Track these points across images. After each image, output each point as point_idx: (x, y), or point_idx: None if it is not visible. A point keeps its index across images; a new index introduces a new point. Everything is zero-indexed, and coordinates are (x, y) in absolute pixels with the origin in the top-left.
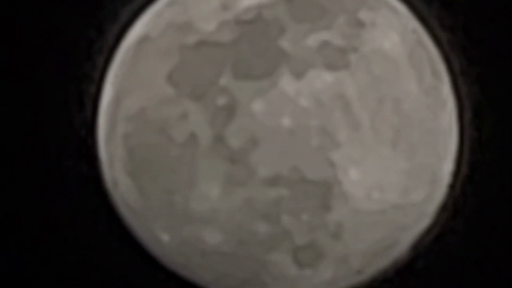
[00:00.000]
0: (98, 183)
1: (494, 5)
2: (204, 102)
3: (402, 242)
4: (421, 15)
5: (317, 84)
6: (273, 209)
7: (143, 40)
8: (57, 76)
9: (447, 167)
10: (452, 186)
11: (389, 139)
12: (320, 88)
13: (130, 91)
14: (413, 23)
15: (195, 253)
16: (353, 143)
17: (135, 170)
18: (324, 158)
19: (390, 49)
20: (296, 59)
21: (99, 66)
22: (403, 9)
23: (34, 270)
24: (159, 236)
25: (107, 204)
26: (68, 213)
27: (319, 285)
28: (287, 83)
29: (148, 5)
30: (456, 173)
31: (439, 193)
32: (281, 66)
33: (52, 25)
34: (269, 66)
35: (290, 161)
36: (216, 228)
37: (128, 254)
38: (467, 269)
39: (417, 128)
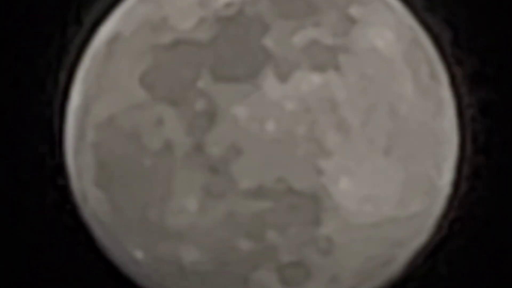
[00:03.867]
0: (66, 196)
1: (497, 2)
2: (181, 107)
3: (398, 259)
4: (418, 10)
5: (304, 87)
6: (256, 223)
7: (114, 39)
8: (20, 80)
9: (447, 176)
10: (452, 198)
11: (383, 146)
12: (308, 91)
13: (100, 95)
14: (409, 20)
15: (172, 272)
16: (343, 151)
17: (106, 182)
18: (312, 167)
19: (384, 48)
20: (281, 59)
21: (66, 69)
22: (397, 5)
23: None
24: (133, 253)
25: (76, 219)
26: (33, 230)
27: None
28: (271, 85)
29: (120, 1)
30: (457, 184)
31: (438, 205)
32: (264, 67)
33: (14, 23)
34: (252, 67)
35: (275, 171)
36: (195, 244)
37: (99, 273)
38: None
39: (413, 134)
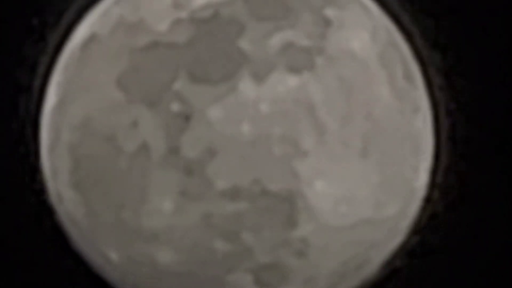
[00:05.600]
0: (41, 197)
1: (473, 2)
2: (157, 109)
3: (373, 260)
4: (393, 12)
5: (280, 88)
6: (232, 225)
7: (90, 40)
8: None
9: (422, 178)
10: (427, 200)
11: (358, 148)
12: (283, 92)
13: (76, 97)
14: (384, 21)
15: (147, 274)
16: (319, 153)
17: (82, 183)
18: (288, 169)
19: (359, 49)
20: (257, 61)
21: (42, 70)
22: (373, 6)
23: None
24: (108, 254)
25: (51, 220)
26: (8, 230)
27: None
28: (247, 87)
29: (95, 2)
30: (432, 185)
31: (413, 207)
32: (240, 69)
33: None
34: (228, 69)
35: (250, 173)
36: (170, 246)
37: (74, 274)
38: None
39: (389, 136)
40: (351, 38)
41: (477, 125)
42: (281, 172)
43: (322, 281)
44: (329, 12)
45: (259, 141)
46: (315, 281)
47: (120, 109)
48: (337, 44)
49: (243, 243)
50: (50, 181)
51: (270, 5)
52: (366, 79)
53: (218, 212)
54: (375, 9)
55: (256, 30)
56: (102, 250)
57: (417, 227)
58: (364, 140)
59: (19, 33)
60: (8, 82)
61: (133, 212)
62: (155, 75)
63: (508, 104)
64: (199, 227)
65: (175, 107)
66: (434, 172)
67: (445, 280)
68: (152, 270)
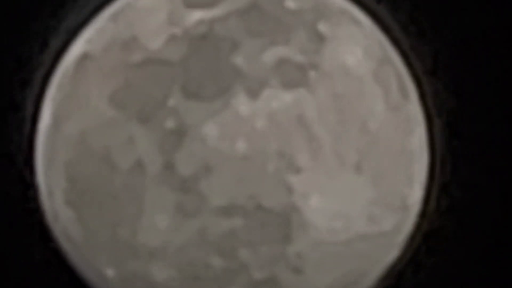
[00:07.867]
0: (37, 215)
1: (466, 17)
2: (152, 126)
3: (369, 275)
4: (387, 27)
5: (274, 104)
6: (228, 241)
7: (84, 58)
8: None
9: (417, 193)
10: (422, 214)
11: (353, 163)
12: (278, 108)
13: (70, 114)
14: (379, 37)
15: None
16: (314, 168)
17: (77, 201)
18: (283, 184)
19: (354, 65)
20: (251, 77)
21: (36, 87)
22: (367, 21)
23: None
24: (104, 272)
25: (47, 238)
26: (3, 249)
27: None
28: (241, 103)
29: (90, 20)
30: (427, 200)
31: (409, 221)
32: (234, 85)
33: None
34: (222, 85)
35: (245, 189)
36: (166, 263)
37: None
38: None
39: (383, 151)
40: (345, 53)
41: (472, 139)
42: (276, 188)
43: None
44: (323, 28)
45: (253, 157)
46: None
47: (115, 126)
48: (331, 60)
49: (238, 259)
50: (45, 199)
51: (263, 21)
52: (360, 94)
53: (213, 228)
54: (369, 24)
55: (250, 46)
56: (98, 267)
57: (412, 242)
58: (359, 156)
59: (14, 50)
60: (2, 101)
61: (129, 229)
62: (150, 92)
63: (504, 118)
64: (194, 244)
65: (170, 123)
66: (429, 186)
67: None
68: (148, 286)
